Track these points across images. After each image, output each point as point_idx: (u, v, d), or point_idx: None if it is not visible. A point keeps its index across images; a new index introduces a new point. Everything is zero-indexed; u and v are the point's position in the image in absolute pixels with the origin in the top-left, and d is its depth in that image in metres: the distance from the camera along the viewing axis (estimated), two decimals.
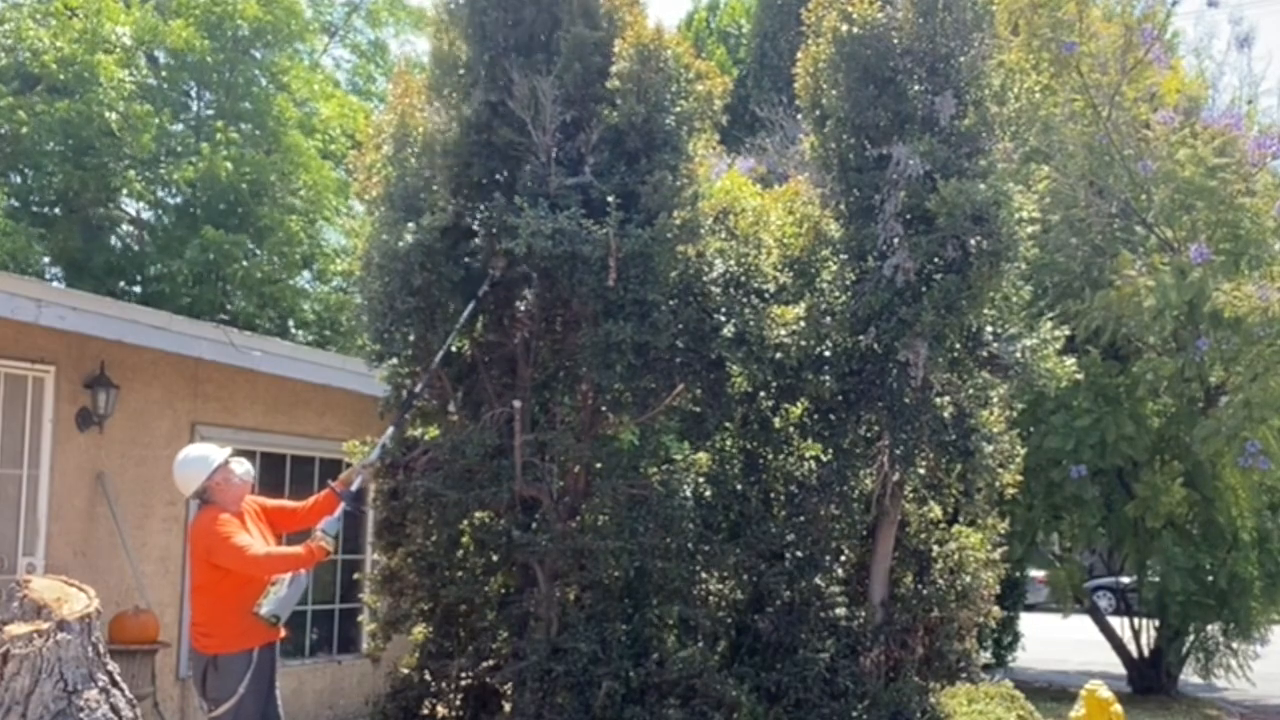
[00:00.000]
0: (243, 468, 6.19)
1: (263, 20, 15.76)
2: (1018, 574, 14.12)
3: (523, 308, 8.10)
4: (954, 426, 8.34)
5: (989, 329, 8.59)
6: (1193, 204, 12.14)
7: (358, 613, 10.25)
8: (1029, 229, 8.27)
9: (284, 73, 16.54)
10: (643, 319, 7.40)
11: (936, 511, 9.09)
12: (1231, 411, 11.45)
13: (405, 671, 8.33)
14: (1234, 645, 13.76)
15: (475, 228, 7.87)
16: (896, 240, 8.11)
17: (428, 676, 8.29)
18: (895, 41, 8.30)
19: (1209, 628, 13.84)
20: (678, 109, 7.56)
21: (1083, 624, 16.01)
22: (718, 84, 7.85)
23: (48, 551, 8.22)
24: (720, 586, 8.33)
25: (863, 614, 8.40)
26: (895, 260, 8.03)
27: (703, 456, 8.32)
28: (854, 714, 8.02)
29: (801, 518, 8.34)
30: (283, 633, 6.15)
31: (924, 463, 8.57)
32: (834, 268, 8.44)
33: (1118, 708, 7.36)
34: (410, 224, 7.48)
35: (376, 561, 8.95)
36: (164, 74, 16.06)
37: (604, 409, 7.93)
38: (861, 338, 8.22)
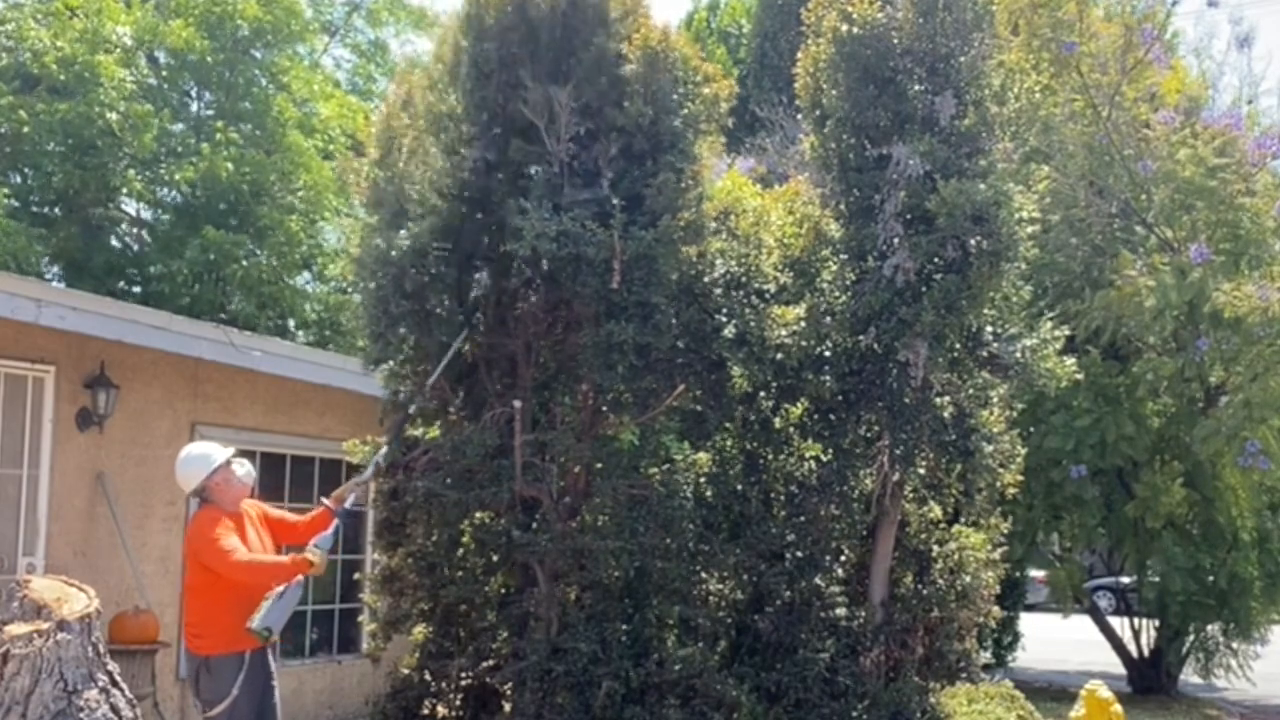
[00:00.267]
0: (244, 469, 6.19)
1: (263, 20, 15.75)
2: (1018, 574, 14.12)
3: (524, 308, 8.09)
4: (954, 426, 8.34)
5: (989, 329, 8.59)
6: (1193, 204, 12.15)
7: (358, 613, 10.25)
8: (1029, 229, 8.28)
9: (284, 73, 16.53)
10: (645, 320, 7.40)
11: (936, 511, 9.09)
12: (1231, 411, 11.45)
13: (405, 671, 8.33)
14: (1234, 645, 13.76)
15: (476, 230, 7.86)
16: (896, 240, 8.11)
17: (428, 676, 8.29)
18: (895, 41, 8.30)
19: (1209, 628, 13.84)
20: (684, 111, 7.56)
21: (1083, 624, 16.01)
22: (724, 87, 7.86)
23: (48, 551, 8.22)
24: (720, 586, 8.33)
25: (863, 614, 8.40)
26: (895, 260, 8.03)
27: (703, 457, 8.32)
28: (854, 714, 8.02)
29: (801, 518, 8.34)
30: (275, 638, 6.16)
31: (924, 463, 8.57)
32: (834, 268, 8.44)
33: (1118, 708, 7.36)
34: (400, 229, 7.47)
35: (376, 561, 8.96)
36: (164, 74, 16.06)
37: (604, 409, 7.93)
38: (861, 338, 8.22)
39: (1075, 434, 12.16)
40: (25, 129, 13.83)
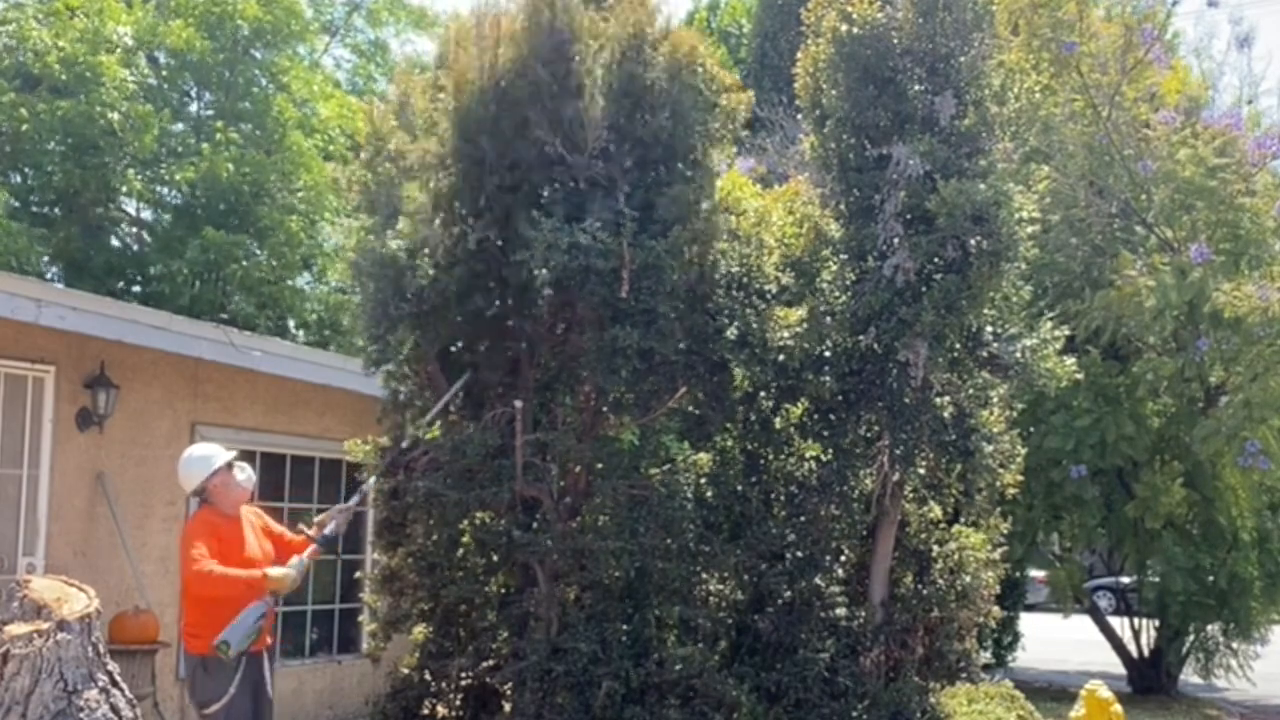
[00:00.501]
0: (244, 474, 6.22)
1: (263, 20, 15.76)
2: (1018, 574, 14.12)
3: (527, 310, 8.08)
4: (954, 426, 8.34)
5: (989, 329, 8.60)
6: (1193, 204, 12.15)
7: (358, 613, 10.25)
8: (1029, 229, 8.28)
9: (284, 73, 16.53)
10: (649, 325, 7.39)
11: (936, 511, 9.09)
12: (1231, 411, 11.45)
13: (405, 671, 8.33)
14: (1234, 645, 13.76)
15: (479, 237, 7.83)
16: (896, 240, 8.12)
17: (428, 676, 8.29)
18: (895, 41, 8.30)
19: (1209, 628, 13.84)
20: (702, 125, 7.54)
21: (1083, 624, 16.01)
22: (742, 99, 7.83)
23: (48, 551, 8.22)
24: (720, 587, 8.33)
25: (863, 614, 8.40)
26: (895, 260, 8.03)
27: (703, 457, 8.32)
28: (854, 714, 8.02)
29: (801, 518, 8.34)
30: (267, 640, 6.18)
31: (924, 463, 8.57)
32: (834, 268, 8.44)
33: (1118, 708, 7.36)
34: (390, 231, 7.45)
35: (376, 561, 8.95)
36: (164, 74, 16.07)
37: (605, 410, 7.93)
38: (861, 338, 8.22)
39: (1075, 434, 12.16)
40: (24, 127, 13.83)
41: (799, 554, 8.28)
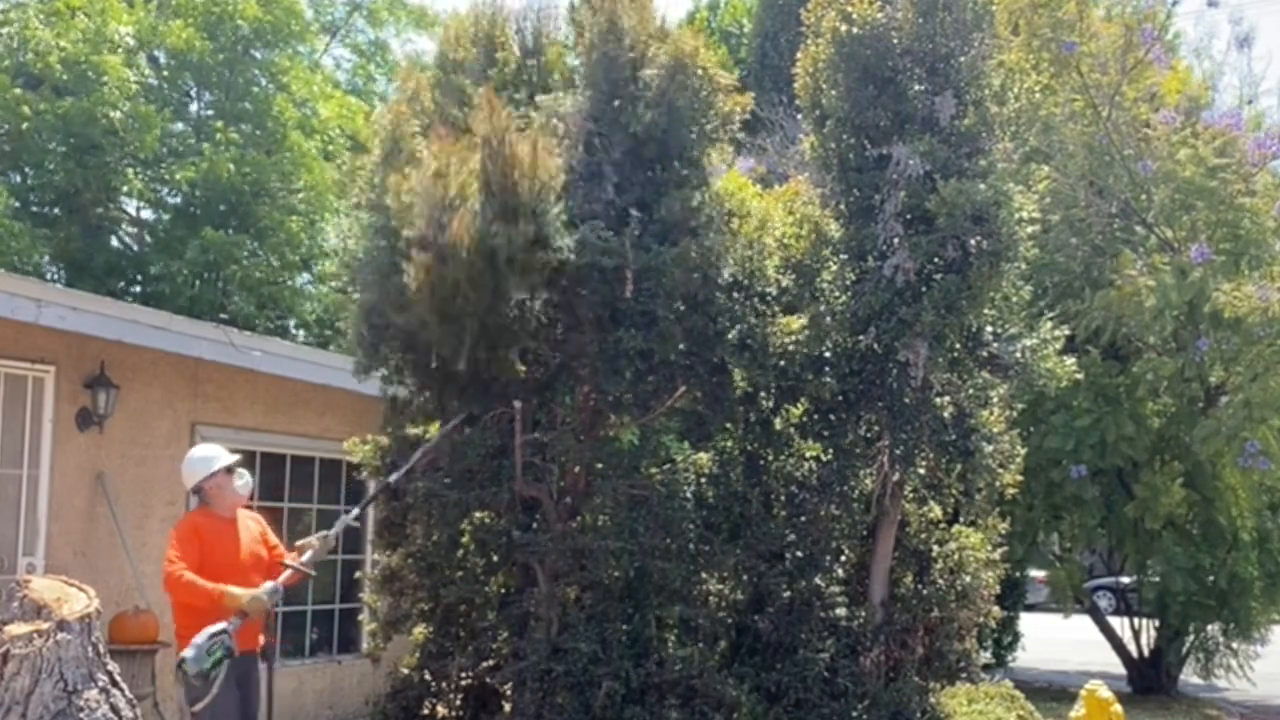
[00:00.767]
0: (242, 480, 6.31)
1: (263, 20, 15.76)
2: (1018, 574, 14.12)
3: (525, 310, 8.07)
4: (954, 426, 8.34)
5: (989, 329, 8.60)
6: (1193, 204, 12.15)
7: (358, 613, 10.25)
8: (1029, 229, 8.28)
9: (284, 73, 16.54)
10: (650, 328, 7.39)
11: (936, 511, 9.09)
12: (1231, 411, 11.45)
13: (405, 671, 8.33)
14: (1234, 645, 13.76)
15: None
16: (896, 240, 8.12)
17: (428, 676, 8.29)
18: (895, 41, 8.30)
19: (1209, 628, 13.84)
20: (698, 125, 7.54)
21: (1083, 624, 16.01)
22: (740, 101, 7.83)
23: (48, 551, 8.22)
24: (720, 587, 8.33)
25: (863, 614, 8.40)
26: (895, 260, 8.04)
27: (703, 457, 8.31)
28: (854, 714, 8.02)
29: (801, 518, 8.35)
30: (260, 640, 6.18)
31: (924, 463, 8.57)
32: (834, 268, 8.44)
33: (1118, 708, 7.36)
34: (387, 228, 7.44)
35: (376, 561, 8.95)
36: (164, 74, 16.07)
37: (605, 410, 7.93)
38: (861, 338, 8.22)
39: (1075, 434, 12.16)
40: (26, 125, 13.83)
41: (799, 554, 8.28)
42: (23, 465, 8.19)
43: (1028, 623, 16.15)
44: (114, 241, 16.33)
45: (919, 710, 8.16)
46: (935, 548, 8.98)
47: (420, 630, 8.30)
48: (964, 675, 9.04)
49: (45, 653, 4.30)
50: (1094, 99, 12.55)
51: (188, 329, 8.89)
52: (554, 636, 7.69)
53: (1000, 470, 8.76)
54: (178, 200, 15.88)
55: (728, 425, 8.41)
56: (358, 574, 9.57)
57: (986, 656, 12.94)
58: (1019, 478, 9.17)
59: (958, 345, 8.40)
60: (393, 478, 7.53)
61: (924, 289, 8.06)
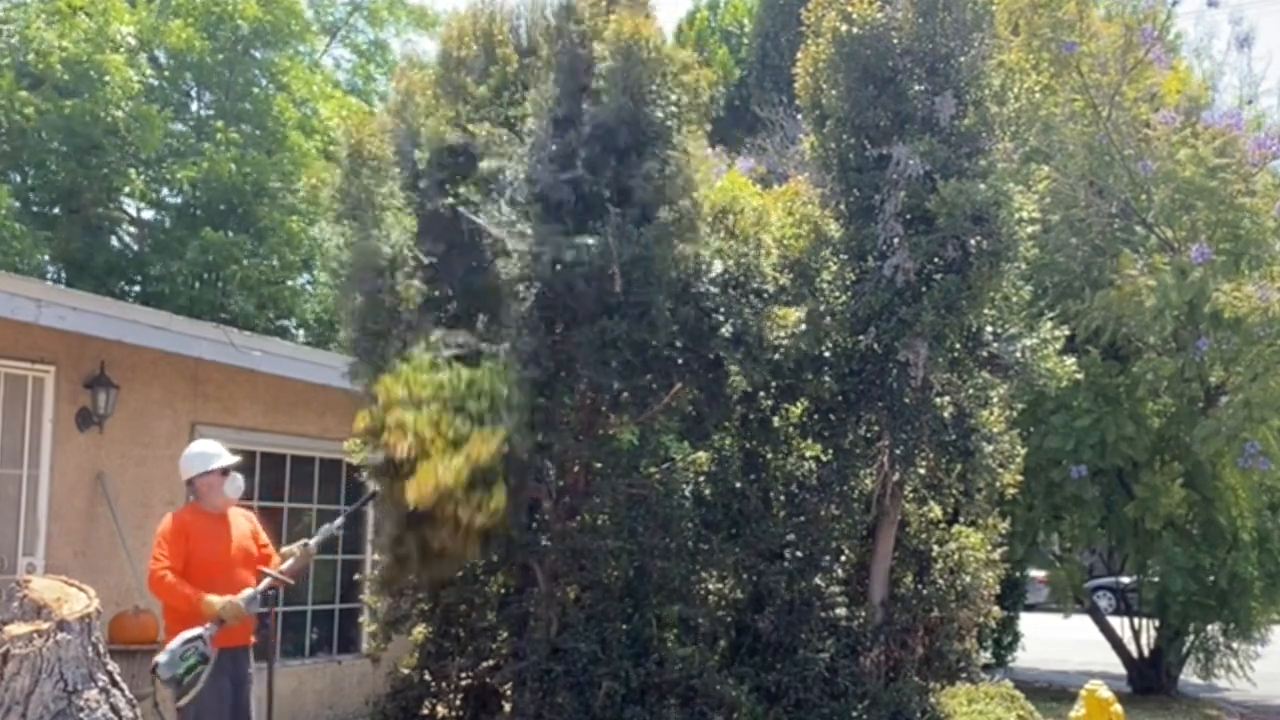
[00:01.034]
0: (233, 485, 6.31)
1: (262, 20, 15.75)
2: (1018, 574, 14.11)
3: (523, 308, 8.08)
4: (954, 426, 8.34)
5: (989, 329, 8.60)
6: (1193, 204, 12.14)
7: (358, 613, 10.25)
8: (1029, 229, 8.28)
9: (284, 73, 16.53)
10: (640, 317, 7.37)
11: (936, 511, 9.10)
12: (1231, 411, 11.45)
13: (405, 671, 8.33)
14: (1234, 645, 13.75)
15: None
16: (896, 240, 8.12)
17: (428, 676, 8.29)
18: (895, 41, 8.31)
19: (1209, 628, 13.83)
20: (663, 100, 7.52)
21: (1083, 624, 16.00)
22: (703, 75, 7.80)
23: (48, 551, 8.22)
24: (720, 586, 8.34)
25: (863, 614, 8.40)
26: (895, 260, 8.04)
27: (702, 456, 8.32)
28: (854, 714, 8.02)
29: (801, 517, 8.35)
30: (250, 639, 6.18)
31: (924, 463, 8.58)
32: (834, 268, 8.44)
33: (1118, 708, 7.36)
34: (373, 236, 7.46)
35: (376, 561, 8.95)
36: (165, 74, 16.07)
37: (603, 409, 7.93)
38: (861, 338, 8.22)
39: (1075, 434, 12.16)
40: (29, 123, 13.82)
41: (799, 553, 8.28)
42: (23, 465, 8.19)
43: (1028, 623, 16.15)
44: (114, 241, 16.32)
45: (919, 710, 8.16)
46: (935, 548, 8.99)
47: (420, 630, 8.30)
48: (964, 675, 9.04)
49: (45, 653, 4.31)
50: (1094, 99, 12.55)
51: (188, 329, 8.88)
52: (554, 636, 7.69)
53: (1000, 470, 8.76)
54: (178, 200, 15.88)
55: (726, 424, 8.41)
56: (357, 574, 9.57)
57: (986, 656, 12.94)
58: (1019, 478, 9.17)
59: (958, 345, 8.40)
60: (374, 490, 7.53)
61: (924, 289, 8.06)
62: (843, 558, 8.61)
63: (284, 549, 6.50)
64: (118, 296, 13.56)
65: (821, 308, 8.24)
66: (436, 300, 7.79)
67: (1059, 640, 17.89)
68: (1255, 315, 11.09)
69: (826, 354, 8.28)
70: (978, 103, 8.42)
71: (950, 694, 8.54)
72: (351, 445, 8.28)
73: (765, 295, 8.12)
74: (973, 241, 7.94)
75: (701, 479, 8.25)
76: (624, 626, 7.74)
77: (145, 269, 15.57)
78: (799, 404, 8.52)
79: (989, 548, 9.22)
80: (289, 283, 16.14)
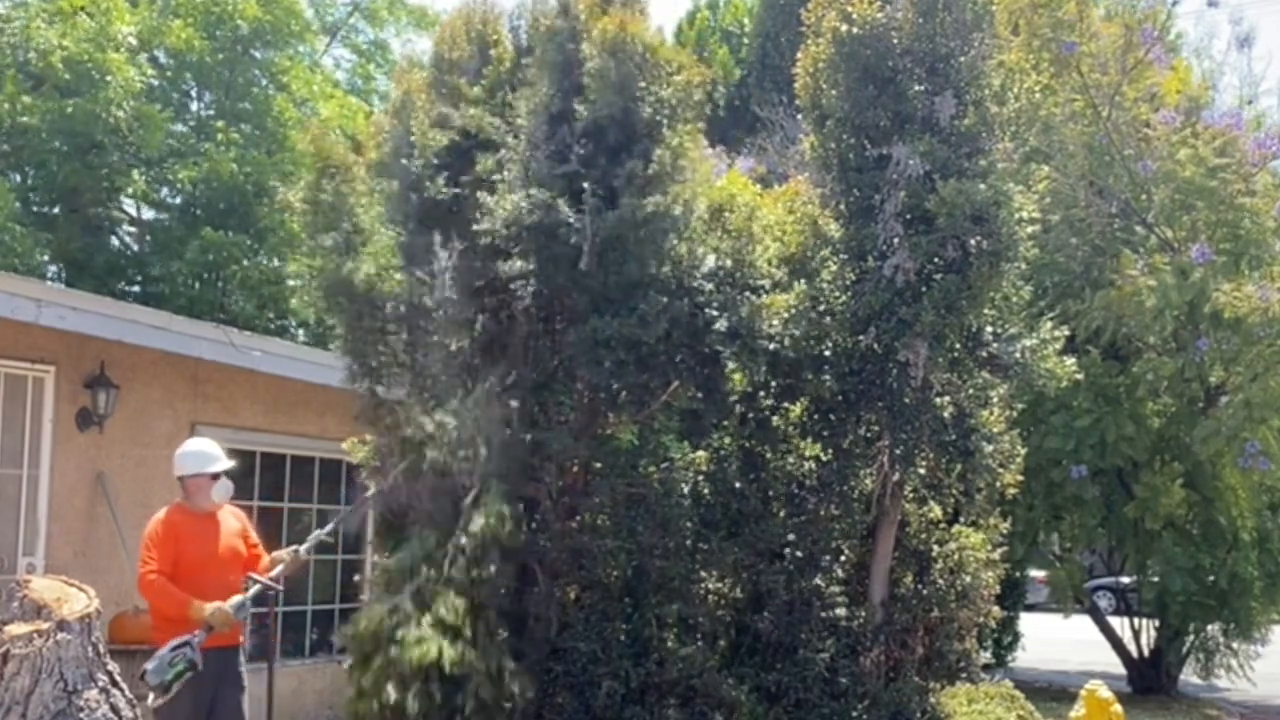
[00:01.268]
0: (220, 492, 6.27)
1: (262, 20, 15.76)
2: (1018, 574, 14.12)
3: (520, 307, 8.08)
4: (954, 426, 8.34)
5: (989, 329, 8.59)
6: (1193, 204, 12.15)
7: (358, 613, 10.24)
8: (1029, 229, 8.28)
9: (284, 73, 16.54)
10: (630, 313, 7.36)
11: (936, 511, 9.09)
12: (1231, 411, 11.45)
13: None
14: (1234, 645, 13.76)
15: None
16: (896, 240, 8.11)
17: None
18: (895, 41, 8.30)
19: (1209, 628, 13.84)
20: (654, 98, 7.52)
21: (1083, 624, 16.01)
22: (696, 74, 7.78)
23: (48, 551, 8.22)
24: (720, 586, 8.33)
25: (863, 614, 8.40)
26: (895, 260, 8.03)
27: (701, 455, 8.31)
28: (854, 714, 8.02)
29: (801, 517, 8.34)
30: (241, 639, 6.18)
31: (924, 463, 8.57)
32: (834, 268, 8.43)
33: (1118, 708, 7.36)
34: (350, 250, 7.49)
35: (376, 562, 8.94)
36: (165, 74, 16.07)
37: (602, 408, 7.93)
38: (861, 338, 8.22)
39: (1075, 434, 12.16)
40: (32, 121, 13.82)
41: (798, 553, 8.28)
42: (23, 465, 8.20)
43: (1028, 623, 16.15)
44: (114, 241, 16.33)
45: (919, 710, 8.16)
46: (935, 548, 8.98)
47: None
48: (964, 675, 9.04)
49: (45, 653, 4.30)
50: (1094, 99, 12.55)
51: (188, 329, 8.89)
52: (554, 636, 7.68)
53: (1000, 470, 8.76)
54: (178, 200, 15.88)
55: (725, 423, 8.40)
56: (357, 575, 9.57)
57: (986, 656, 12.94)
58: (1019, 478, 9.17)
59: (958, 345, 8.39)
60: (372, 492, 7.54)
61: (924, 289, 8.06)
62: (843, 558, 8.60)
63: (274, 554, 6.49)
64: (118, 296, 13.56)
65: (821, 307, 8.23)
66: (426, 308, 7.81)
67: (1059, 640, 17.90)
68: (1255, 315, 11.09)
69: (826, 354, 8.27)
70: (978, 103, 8.42)
71: (950, 694, 8.53)
72: (350, 445, 8.27)
73: (761, 290, 8.11)
74: (973, 241, 7.93)
75: (701, 478, 8.24)
76: (624, 626, 7.73)
77: (145, 269, 15.57)
78: (799, 404, 8.52)
79: (989, 548, 9.21)
80: (289, 283, 16.13)
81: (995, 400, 8.82)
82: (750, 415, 8.50)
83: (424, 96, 8.08)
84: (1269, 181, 12.82)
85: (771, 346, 7.80)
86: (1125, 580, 18.80)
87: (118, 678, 4.56)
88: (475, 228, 7.43)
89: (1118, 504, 13.05)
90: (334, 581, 10.40)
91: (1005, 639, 15.31)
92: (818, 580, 8.25)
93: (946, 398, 8.43)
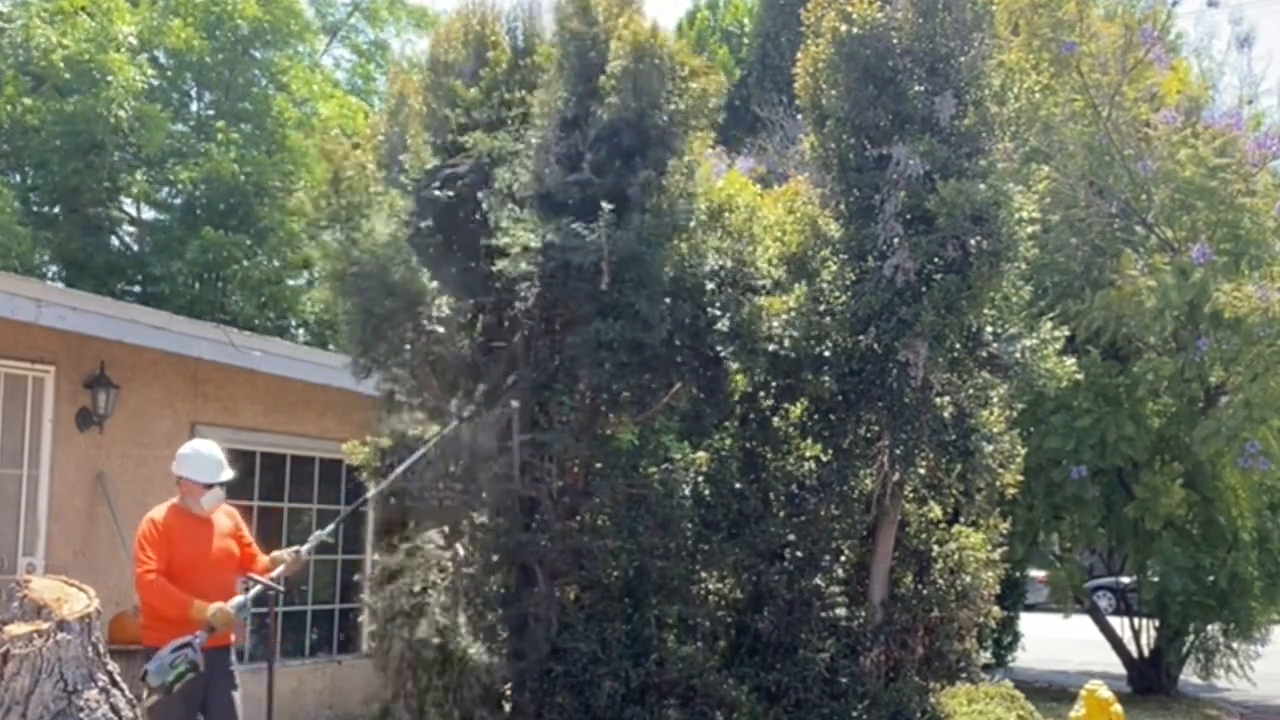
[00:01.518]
0: (212, 499, 6.19)
1: (262, 20, 15.75)
2: (1018, 574, 14.11)
3: (521, 308, 8.09)
4: (954, 426, 8.34)
5: (989, 329, 8.60)
6: (1193, 204, 12.14)
7: (358, 613, 10.24)
8: (1029, 229, 8.28)
9: (284, 73, 16.52)
10: (634, 316, 7.38)
11: (936, 511, 9.09)
12: (1231, 412, 11.45)
13: None
14: (1234, 645, 13.75)
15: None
16: (896, 240, 8.12)
17: None
18: (895, 41, 8.30)
19: (1209, 628, 13.83)
20: (671, 106, 7.53)
21: (1083, 624, 16.00)
22: (713, 82, 7.81)
23: (48, 551, 8.22)
24: (720, 586, 8.34)
25: (863, 614, 8.40)
26: (895, 260, 8.04)
27: (702, 456, 8.31)
28: (854, 714, 8.02)
29: (801, 517, 8.35)
30: (232, 638, 6.17)
31: (924, 463, 8.57)
32: (834, 268, 8.44)
33: (1118, 708, 7.36)
34: (379, 220, 7.46)
35: (376, 561, 8.94)
36: (166, 74, 16.06)
37: (603, 409, 7.93)
38: (861, 338, 8.22)
39: (1075, 434, 12.16)
40: (33, 121, 13.81)
41: (799, 553, 8.28)
42: (23, 465, 8.19)
43: (1028, 623, 16.15)
44: (114, 241, 16.31)
45: (919, 710, 8.16)
46: (935, 548, 8.99)
47: None
48: (964, 675, 9.04)
49: (45, 653, 4.30)
50: (1094, 99, 12.55)
51: (188, 329, 8.89)
52: (554, 636, 7.69)
53: (1000, 470, 8.76)
54: (178, 200, 15.87)
55: (726, 424, 8.41)
56: (357, 574, 9.56)
57: (986, 656, 12.94)
58: (1019, 478, 9.17)
59: (958, 345, 8.40)
60: (369, 495, 7.53)
61: (924, 289, 8.06)
62: (843, 558, 8.61)
63: (274, 555, 6.48)
64: (118, 296, 13.55)
65: (821, 307, 8.24)
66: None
67: (1059, 640, 17.89)
68: (1255, 315, 11.09)
69: (826, 354, 8.27)
70: (978, 103, 8.42)
71: (950, 694, 8.54)
72: (350, 447, 8.28)
73: (762, 290, 8.12)
74: (973, 241, 7.94)
75: (701, 479, 8.24)
76: (624, 626, 7.74)
77: (145, 269, 15.56)
78: (799, 404, 8.52)
79: (989, 548, 9.22)
80: (289, 282, 16.13)
81: (995, 400, 8.82)
82: (751, 416, 8.51)
83: (419, 99, 8.09)
84: (1269, 181, 12.81)
85: (771, 348, 7.82)
86: (1125, 580, 18.80)
87: (118, 678, 4.55)
88: (496, 267, 7.40)
89: (1118, 504, 13.05)
90: (334, 582, 10.40)
91: (1005, 639, 15.30)
92: (818, 580, 8.26)
93: (946, 398, 8.44)
